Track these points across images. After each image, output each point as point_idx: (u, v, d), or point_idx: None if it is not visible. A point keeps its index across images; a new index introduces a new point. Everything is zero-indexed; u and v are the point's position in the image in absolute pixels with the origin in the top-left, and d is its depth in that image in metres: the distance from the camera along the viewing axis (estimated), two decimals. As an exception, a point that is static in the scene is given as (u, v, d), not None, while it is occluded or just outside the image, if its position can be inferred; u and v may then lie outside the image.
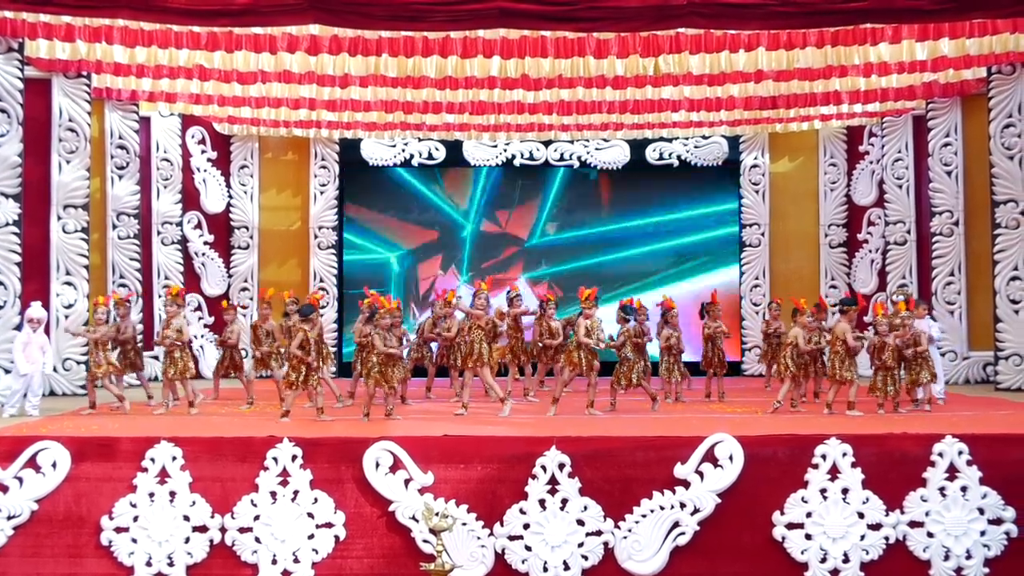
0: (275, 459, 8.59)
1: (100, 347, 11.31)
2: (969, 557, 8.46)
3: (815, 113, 16.22)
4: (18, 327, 11.96)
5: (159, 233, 16.45)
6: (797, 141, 17.81)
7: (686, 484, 8.55)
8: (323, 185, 17.83)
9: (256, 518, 8.46)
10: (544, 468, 8.54)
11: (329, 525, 8.50)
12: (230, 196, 17.63)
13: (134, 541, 8.42)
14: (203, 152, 17.23)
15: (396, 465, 8.56)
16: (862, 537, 8.49)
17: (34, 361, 11.26)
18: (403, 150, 18.05)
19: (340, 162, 17.90)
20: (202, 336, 16.83)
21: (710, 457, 8.61)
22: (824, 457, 8.62)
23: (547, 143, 17.93)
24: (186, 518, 8.46)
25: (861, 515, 8.52)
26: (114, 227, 15.30)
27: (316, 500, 8.52)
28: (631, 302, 11.78)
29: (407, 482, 8.52)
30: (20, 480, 8.50)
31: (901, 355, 11.09)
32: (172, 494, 8.50)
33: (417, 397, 12.93)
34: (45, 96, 13.69)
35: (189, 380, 11.53)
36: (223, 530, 8.48)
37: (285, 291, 13.22)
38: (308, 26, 11.81)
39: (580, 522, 8.47)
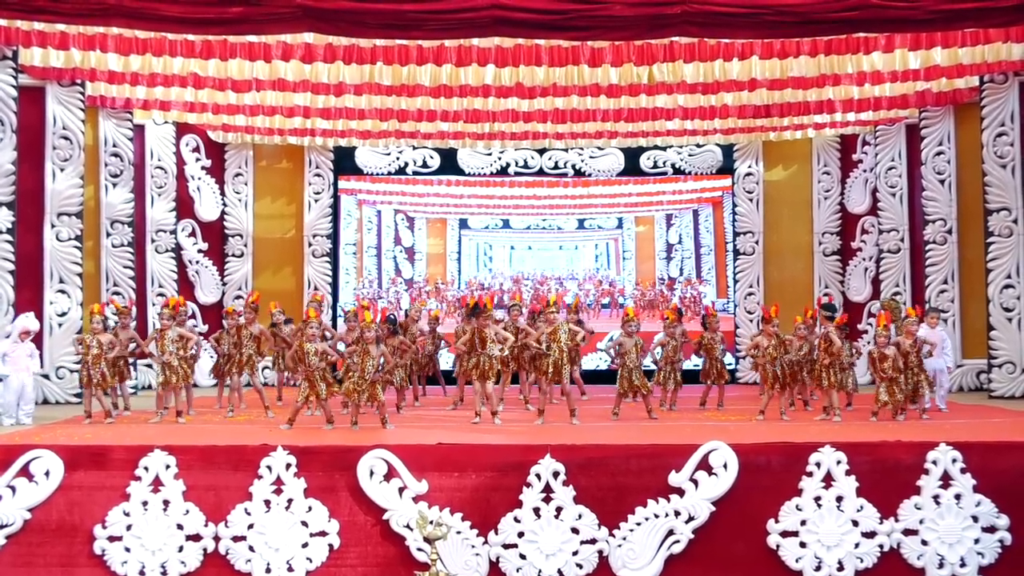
0: (269, 467, 8.59)
1: (96, 358, 11.27)
2: (963, 565, 8.48)
3: (809, 122, 16.25)
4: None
5: (153, 241, 16.40)
6: (791, 149, 17.84)
7: (680, 492, 8.56)
8: (317, 193, 17.82)
9: (250, 527, 8.45)
10: (538, 476, 8.54)
11: (323, 534, 8.49)
12: (224, 204, 17.60)
13: (127, 550, 8.40)
14: (197, 160, 17.20)
15: (390, 473, 8.56)
16: (856, 545, 8.51)
17: (23, 368, 11.22)
18: (397, 158, 18.08)
19: (334, 170, 17.91)
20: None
21: (704, 465, 8.61)
22: (818, 465, 8.63)
23: (542, 151, 17.96)
24: (180, 527, 8.45)
25: (855, 523, 8.53)
26: (108, 235, 15.26)
27: (310, 508, 8.51)
28: (636, 314, 11.97)
29: (401, 490, 8.52)
30: (13, 489, 8.49)
31: (905, 364, 11.13)
32: (166, 503, 8.49)
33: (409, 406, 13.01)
34: (39, 104, 13.66)
35: (183, 390, 11.55)
36: (217, 539, 8.46)
37: (272, 302, 13.32)
38: (302, 34, 11.85)
39: (575, 530, 8.47)
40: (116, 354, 11.46)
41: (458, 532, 8.40)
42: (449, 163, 18.08)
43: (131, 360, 12.32)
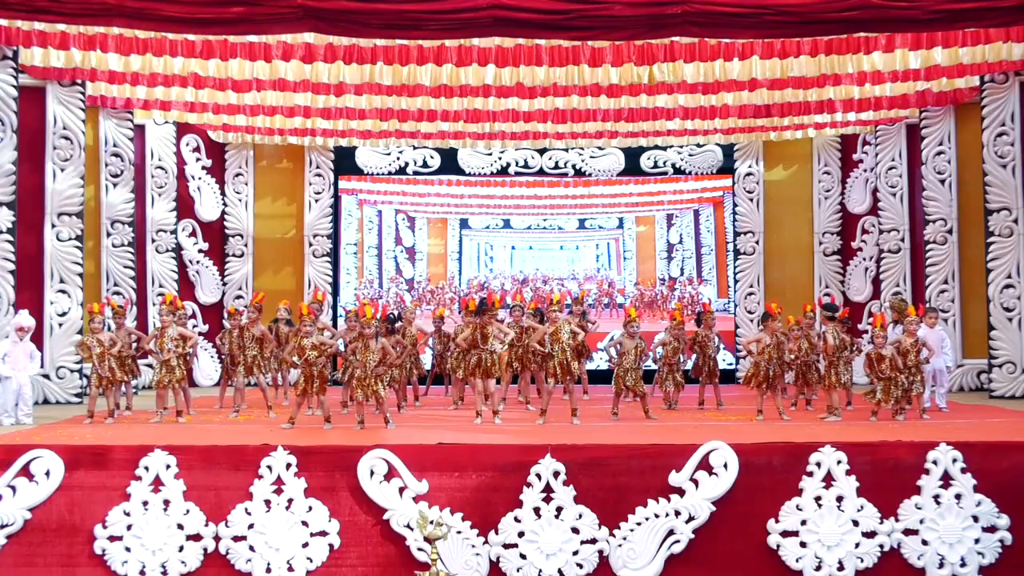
0: (269, 467, 8.59)
1: (101, 356, 11.28)
2: (964, 565, 8.48)
3: (809, 121, 16.25)
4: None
5: (153, 241, 16.41)
6: (791, 149, 17.85)
7: (681, 492, 8.56)
8: (318, 193, 17.82)
9: (250, 526, 8.46)
10: (539, 476, 8.54)
11: (323, 533, 8.49)
12: (225, 204, 17.61)
13: (128, 550, 8.41)
14: (198, 160, 17.21)
15: (391, 473, 8.56)
16: (857, 545, 8.51)
17: (21, 369, 11.21)
18: (398, 158, 18.09)
19: (335, 170, 17.91)
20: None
21: (705, 465, 8.62)
22: (819, 465, 8.63)
23: (542, 151, 17.96)
24: (180, 527, 8.45)
25: (856, 523, 8.53)
26: (108, 235, 15.27)
27: (310, 508, 8.52)
28: (640, 314, 12.01)
29: (402, 490, 8.52)
30: (13, 489, 8.49)
31: (904, 363, 11.13)
32: (166, 502, 8.50)
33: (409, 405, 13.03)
34: (40, 104, 13.66)
35: (181, 390, 11.54)
36: (217, 538, 8.47)
37: (282, 300, 13.34)
38: (303, 34, 11.85)
39: (575, 530, 8.47)
40: (120, 349, 11.45)
41: (458, 532, 8.41)
42: (449, 163, 18.10)
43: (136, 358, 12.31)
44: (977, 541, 8.52)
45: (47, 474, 8.52)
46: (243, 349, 12.33)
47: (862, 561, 8.50)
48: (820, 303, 13.22)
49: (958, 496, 8.57)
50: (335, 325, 16.72)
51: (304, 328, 10.70)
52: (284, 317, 13.01)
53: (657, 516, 8.50)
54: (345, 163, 18.03)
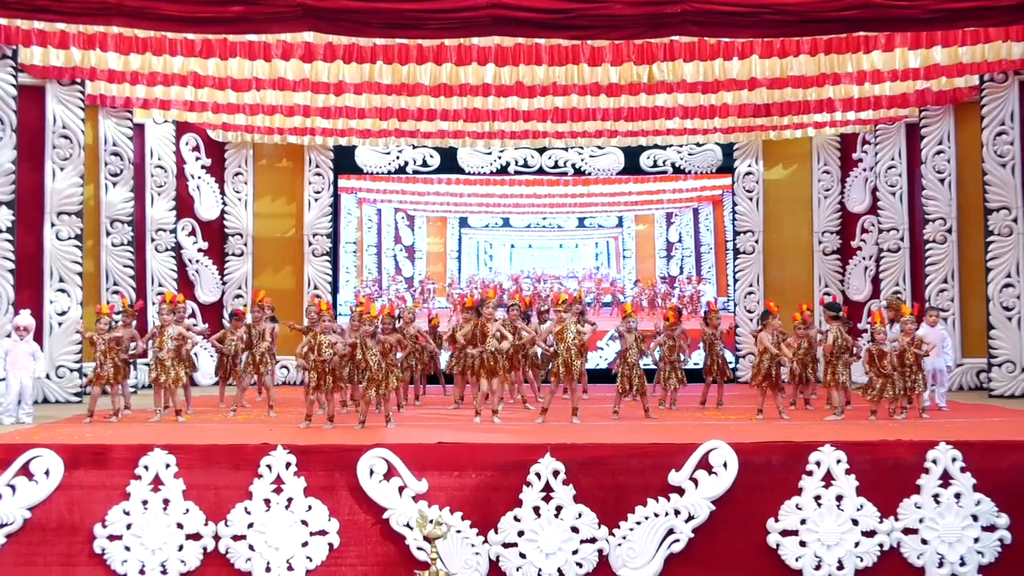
0: (269, 467, 8.59)
1: (104, 354, 11.28)
2: (963, 564, 8.48)
3: (808, 121, 16.24)
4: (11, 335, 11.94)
5: (153, 240, 16.42)
6: (791, 148, 17.84)
7: (680, 491, 8.56)
8: (317, 192, 17.83)
9: (250, 526, 8.46)
10: (538, 475, 8.54)
11: (323, 533, 8.50)
12: (224, 203, 17.61)
13: (127, 549, 8.41)
14: (197, 159, 17.20)
15: (390, 472, 8.56)
16: (856, 544, 8.51)
17: (22, 368, 11.21)
18: (397, 157, 18.10)
19: (334, 169, 17.91)
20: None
21: (704, 464, 8.62)
22: (818, 464, 8.63)
23: (541, 150, 17.98)
24: (180, 526, 8.45)
25: (855, 522, 8.53)
26: (108, 234, 15.26)
27: (310, 508, 8.52)
28: (635, 310, 12.03)
29: (401, 489, 8.52)
30: (13, 488, 8.49)
31: (902, 362, 11.13)
32: (166, 502, 8.50)
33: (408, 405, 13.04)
34: (39, 103, 13.65)
35: (179, 388, 11.54)
36: (217, 538, 8.47)
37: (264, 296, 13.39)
38: (302, 33, 11.84)
39: (575, 529, 8.48)
40: (121, 350, 11.45)
41: (458, 531, 8.41)
42: (449, 162, 18.11)
43: (131, 359, 12.29)
44: (976, 540, 8.53)
45: (47, 473, 8.52)
46: (250, 348, 12.36)
47: (861, 560, 8.50)
48: (823, 303, 13.22)
49: (957, 495, 8.58)
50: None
51: (322, 325, 10.73)
52: (268, 315, 13.05)
53: (657, 515, 8.50)
54: (345, 162, 18.04)
